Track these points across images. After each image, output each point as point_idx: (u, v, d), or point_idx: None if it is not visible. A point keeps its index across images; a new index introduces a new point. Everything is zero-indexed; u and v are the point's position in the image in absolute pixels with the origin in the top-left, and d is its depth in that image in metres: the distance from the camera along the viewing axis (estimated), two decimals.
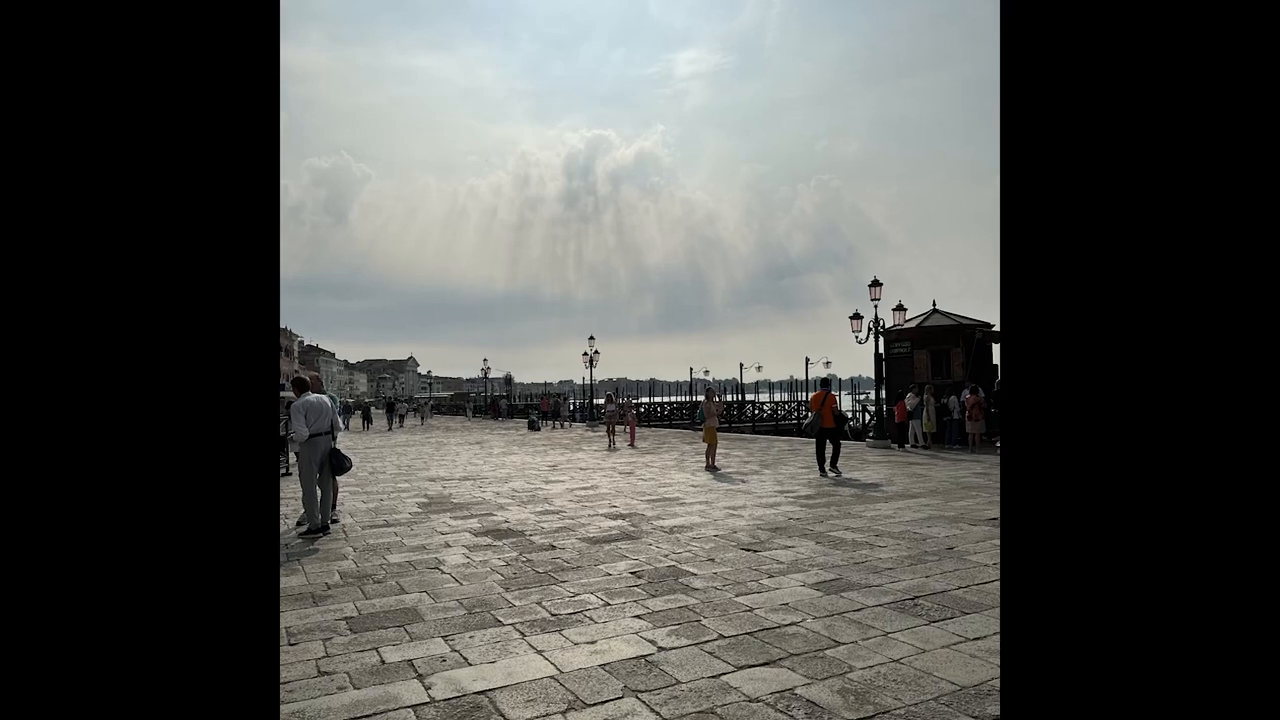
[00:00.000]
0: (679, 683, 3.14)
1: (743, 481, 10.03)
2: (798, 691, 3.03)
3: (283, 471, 10.76)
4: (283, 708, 2.91)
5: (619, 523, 7.01)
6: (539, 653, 3.52)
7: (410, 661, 3.43)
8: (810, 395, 17.18)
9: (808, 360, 46.91)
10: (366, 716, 2.86)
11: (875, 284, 16.31)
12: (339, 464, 6.84)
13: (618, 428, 18.76)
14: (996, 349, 15.73)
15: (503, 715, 2.85)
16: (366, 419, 32.42)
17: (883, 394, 16.99)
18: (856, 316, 17.17)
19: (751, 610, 4.15)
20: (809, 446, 13.88)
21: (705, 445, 12.15)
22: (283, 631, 3.87)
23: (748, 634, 3.74)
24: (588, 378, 33.76)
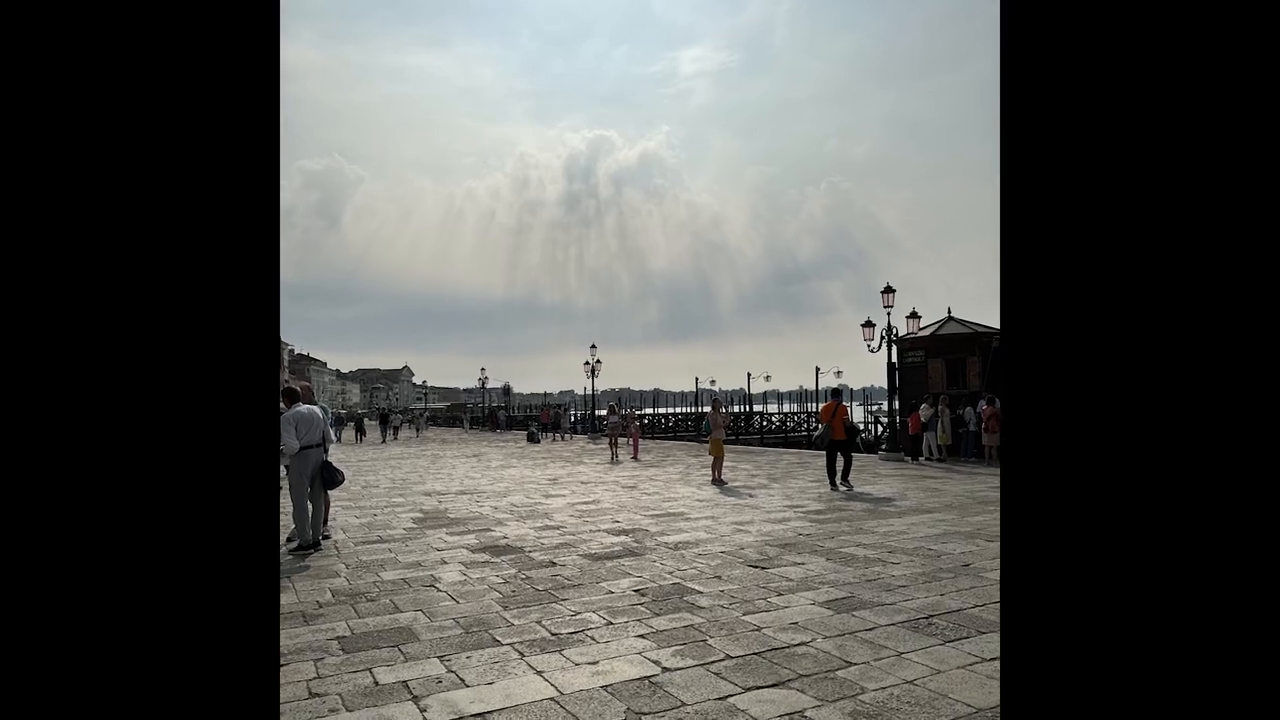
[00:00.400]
0: (684, 705, 3.02)
1: (750, 496, 9.88)
2: (808, 714, 2.92)
3: None
4: None
5: (622, 539, 6.89)
6: (538, 673, 3.41)
7: (405, 683, 3.32)
8: (820, 406, 16.98)
9: (818, 370, 46.71)
10: None
11: (888, 290, 15.96)
12: (331, 478, 6.70)
13: (621, 440, 18.57)
14: None
15: None
16: (360, 431, 32.14)
17: (895, 405, 16.65)
18: (868, 324, 16.91)
19: (759, 629, 4.02)
20: (819, 459, 13.72)
21: (711, 458, 12.01)
22: None
23: (755, 654, 3.62)
24: (589, 388, 33.45)
